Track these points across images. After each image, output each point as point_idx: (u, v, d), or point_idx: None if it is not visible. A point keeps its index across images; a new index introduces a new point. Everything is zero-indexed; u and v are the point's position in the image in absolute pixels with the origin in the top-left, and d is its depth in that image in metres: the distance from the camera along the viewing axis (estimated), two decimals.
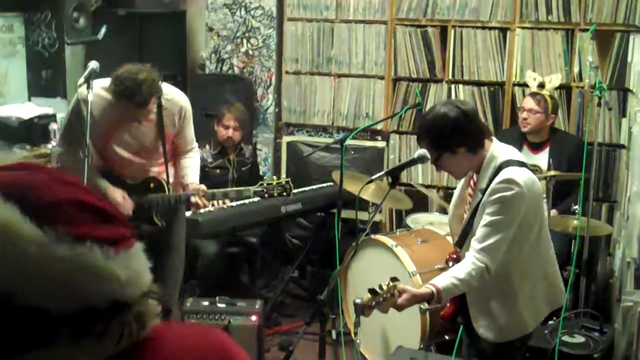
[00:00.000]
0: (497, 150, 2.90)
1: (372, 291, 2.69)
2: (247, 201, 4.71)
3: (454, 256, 3.05)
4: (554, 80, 4.86)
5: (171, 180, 4.00)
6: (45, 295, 0.88)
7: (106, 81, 3.69)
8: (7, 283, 0.88)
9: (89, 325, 0.92)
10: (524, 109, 4.75)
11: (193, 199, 3.91)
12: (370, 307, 2.68)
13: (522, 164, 2.87)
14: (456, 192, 3.16)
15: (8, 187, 0.93)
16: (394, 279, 2.79)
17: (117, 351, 0.96)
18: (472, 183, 3.00)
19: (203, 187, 3.98)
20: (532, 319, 2.99)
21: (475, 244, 2.80)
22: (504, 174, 2.79)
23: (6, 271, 0.88)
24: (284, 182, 4.02)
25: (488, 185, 2.82)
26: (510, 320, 2.94)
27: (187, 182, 4.05)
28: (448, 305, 3.09)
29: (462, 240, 2.97)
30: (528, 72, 5.04)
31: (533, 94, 4.78)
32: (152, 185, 3.96)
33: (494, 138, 2.96)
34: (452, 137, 2.85)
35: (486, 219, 2.79)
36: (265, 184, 4.00)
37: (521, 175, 2.80)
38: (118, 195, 3.81)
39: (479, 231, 2.80)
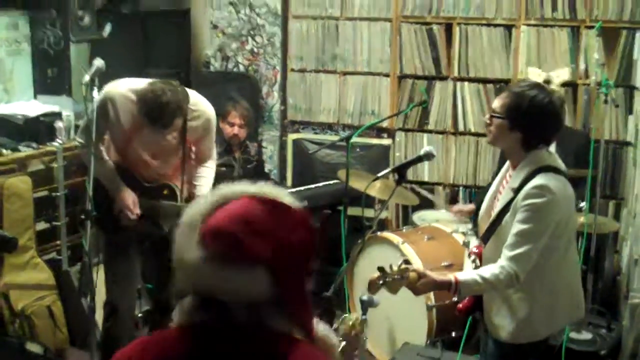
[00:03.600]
0: (542, 155, 2.85)
1: (380, 269, 2.70)
2: None
3: (476, 251, 3.02)
4: (561, 75, 4.78)
5: (185, 192, 3.95)
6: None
7: (135, 82, 3.67)
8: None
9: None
10: None
11: None
12: (377, 285, 2.69)
13: (559, 172, 2.82)
14: (489, 192, 3.09)
15: None
16: (406, 262, 2.79)
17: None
18: (504, 182, 2.96)
19: None
20: (544, 328, 2.95)
21: (506, 251, 2.76)
22: (539, 180, 2.75)
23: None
24: None
25: (520, 186, 2.78)
26: (522, 324, 2.89)
27: (199, 194, 3.96)
28: (467, 299, 3.07)
29: (488, 235, 2.92)
30: (530, 70, 4.99)
31: None
32: (165, 192, 3.91)
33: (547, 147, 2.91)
34: (525, 119, 2.80)
35: (517, 226, 2.75)
36: None
37: (555, 183, 2.76)
38: (129, 199, 3.78)
39: (510, 238, 2.76)
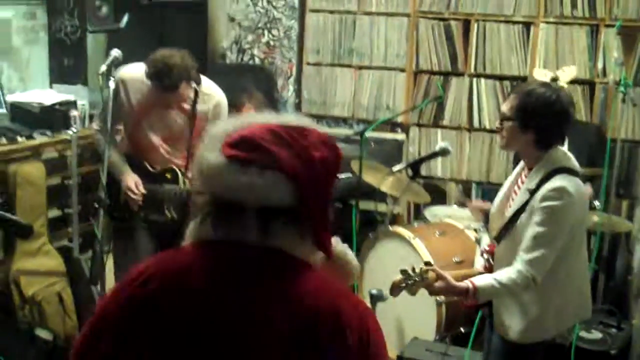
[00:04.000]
0: (557, 155, 2.83)
1: (403, 272, 2.68)
2: None
3: (489, 249, 3.00)
4: (567, 72, 4.70)
5: (190, 174, 3.97)
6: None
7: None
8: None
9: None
10: None
11: None
12: (399, 287, 2.68)
13: (575, 173, 2.80)
14: (502, 189, 3.07)
15: None
16: (427, 264, 2.78)
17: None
18: (519, 182, 2.94)
19: None
20: (554, 328, 2.94)
21: (522, 254, 2.73)
22: (557, 182, 2.72)
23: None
24: None
25: (537, 187, 2.76)
26: (532, 325, 2.88)
27: None
28: None
29: (502, 235, 2.90)
30: (535, 70, 4.91)
31: None
32: (169, 176, 3.94)
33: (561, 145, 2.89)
34: (535, 119, 2.77)
35: (534, 229, 2.72)
36: None
37: (573, 185, 2.73)
38: (131, 181, 3.81)
39: (527, 241, 2.74)
